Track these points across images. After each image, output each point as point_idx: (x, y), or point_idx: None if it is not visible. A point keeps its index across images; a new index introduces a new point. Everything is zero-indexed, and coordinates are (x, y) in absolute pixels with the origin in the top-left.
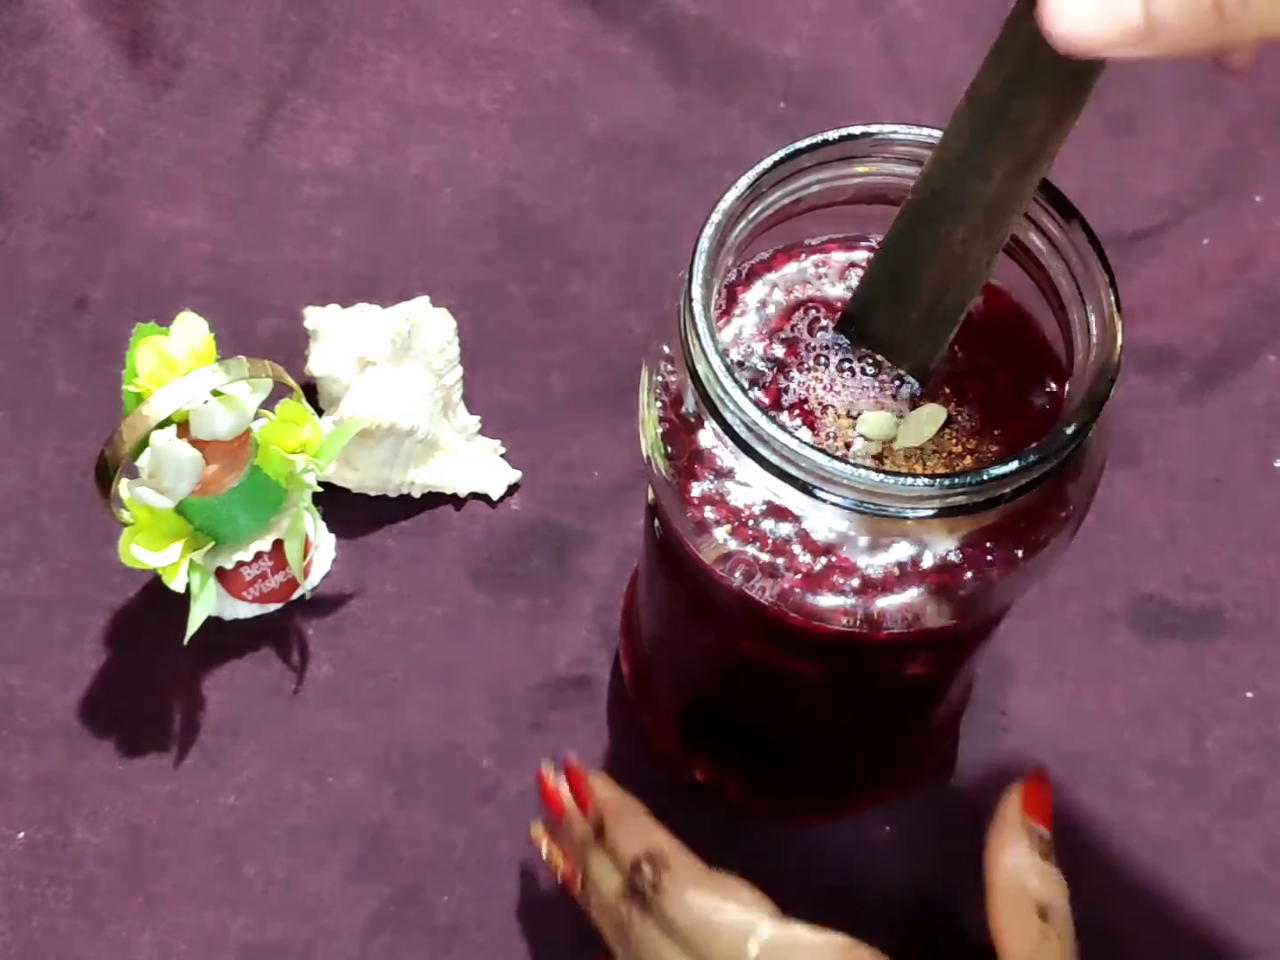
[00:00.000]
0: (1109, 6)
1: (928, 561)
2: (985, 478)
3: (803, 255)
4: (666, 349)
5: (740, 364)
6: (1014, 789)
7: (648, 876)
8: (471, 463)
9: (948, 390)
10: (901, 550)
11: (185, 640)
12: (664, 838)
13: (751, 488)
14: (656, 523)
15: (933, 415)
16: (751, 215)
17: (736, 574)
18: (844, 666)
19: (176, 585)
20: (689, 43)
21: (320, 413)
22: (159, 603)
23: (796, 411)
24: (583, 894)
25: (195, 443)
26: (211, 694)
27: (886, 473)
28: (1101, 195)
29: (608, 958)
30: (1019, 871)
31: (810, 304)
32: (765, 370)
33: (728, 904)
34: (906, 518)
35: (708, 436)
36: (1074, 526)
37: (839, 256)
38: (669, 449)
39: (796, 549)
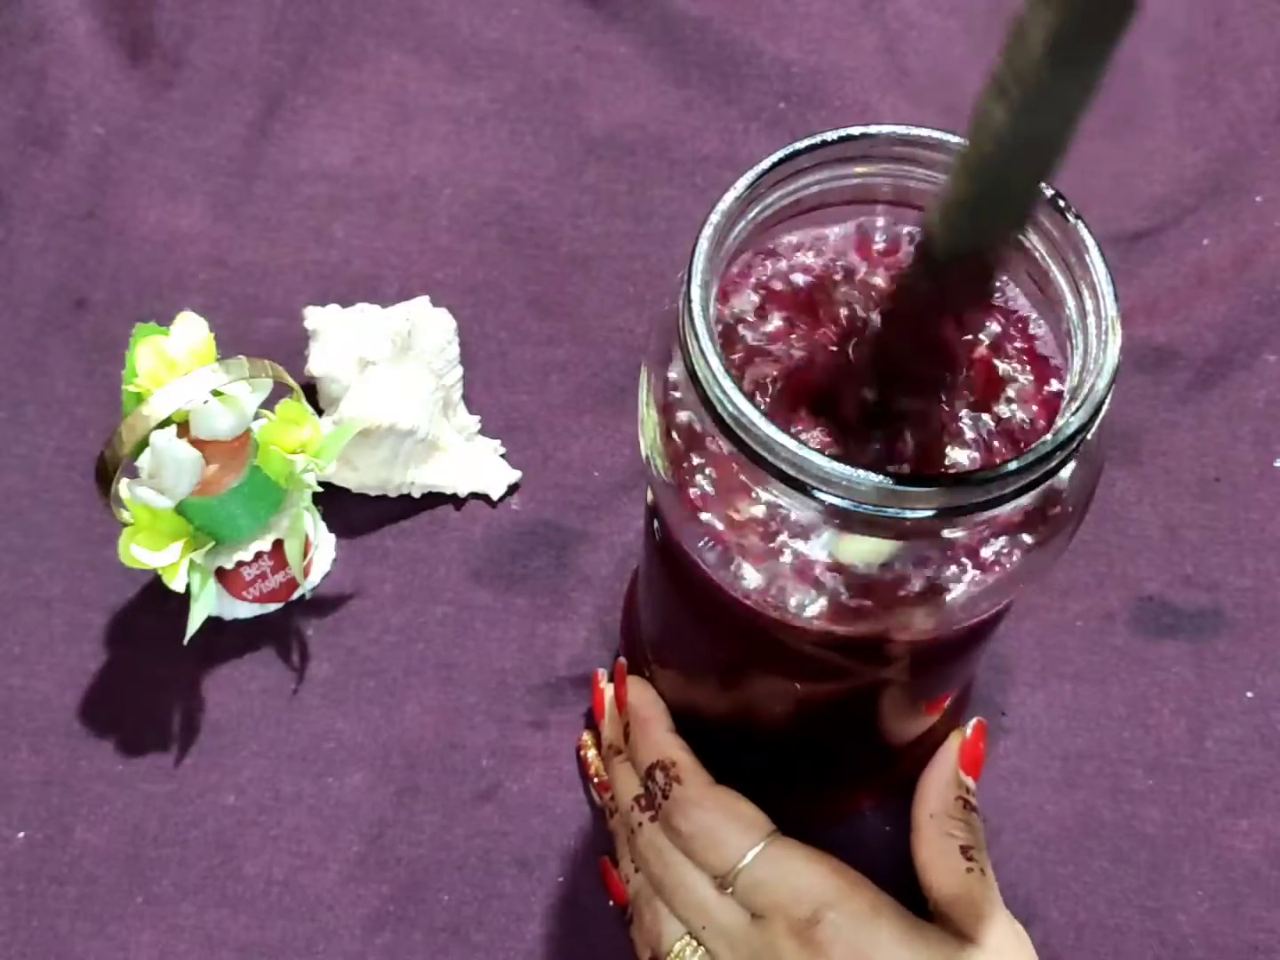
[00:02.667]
0: None
1: (926, 563)
2: (985, 478)
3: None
4: (666, 349)
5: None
6: (954, 738)
7: (659, 783)
8: (471, 463)
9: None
10: (900, 551)
11: (185, 640)
12: (679, 751)
13: (750, 488)
14: (656, 523)
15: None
16: (751, 216)
17: (734, 575)
18: (843, 668)
19: (176, 585)
20: (689, 43)
21: (320, 413)
22: (159, 603)
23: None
24: (606, 799)
25: (195, 443)
26: (211, 694)
27: (885, 474)
28: (1101, 195)
29: (614, 863)
30: (946, 820)
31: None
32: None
33: (729, 817)
34: (905, 519)
35: (707, 437)
36: (1074, 526)
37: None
38: (668, 449)
39: (795, 550)
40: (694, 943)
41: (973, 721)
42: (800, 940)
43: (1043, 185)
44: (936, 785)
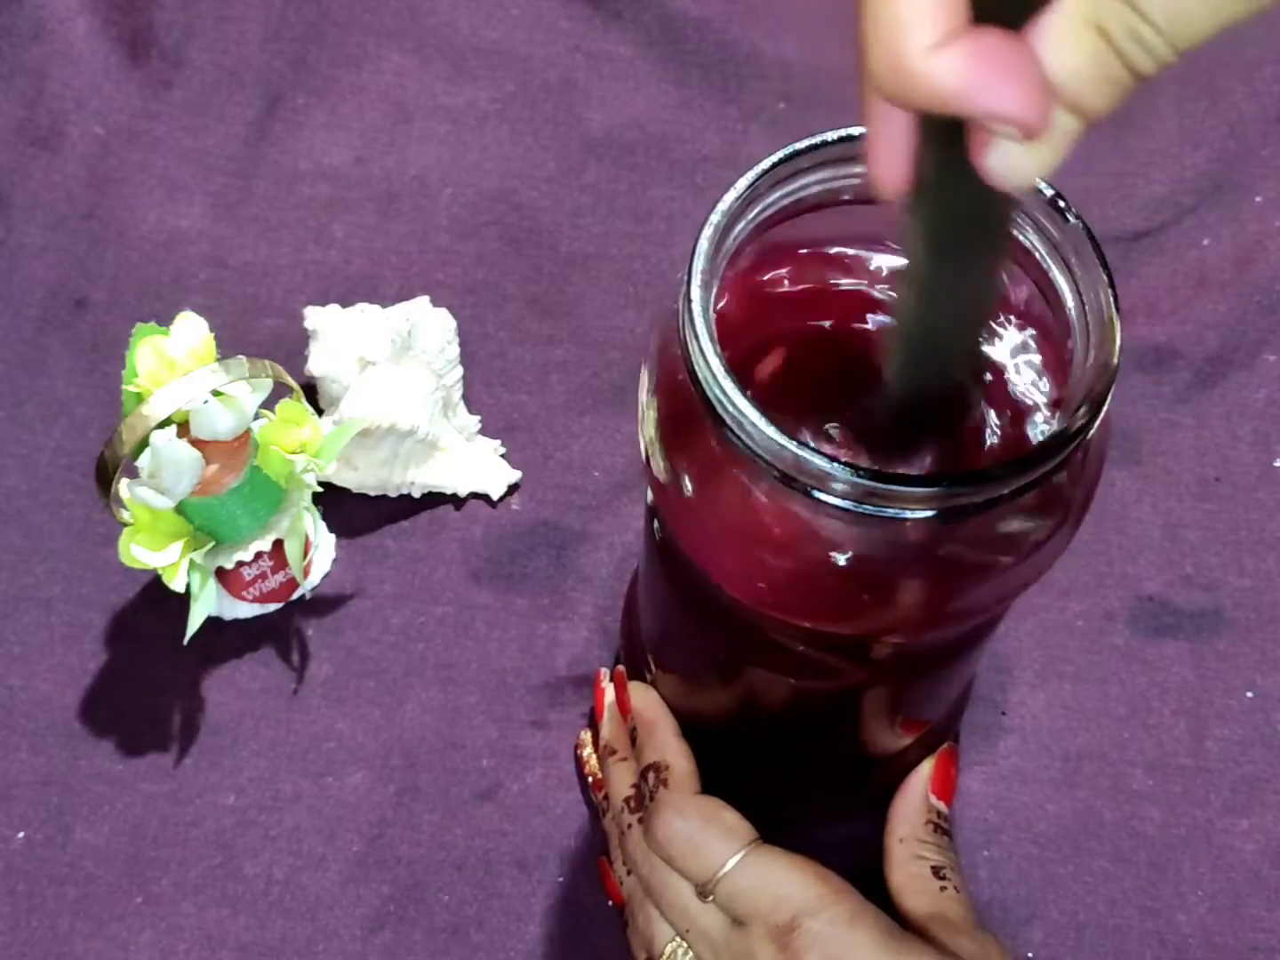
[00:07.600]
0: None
1: (926, 562)
2: (985, 478)
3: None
4: (666, 349)
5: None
6: (925, 764)
7: (650, 785)
8: (471, 463)
9: None
10: (900, 551)
11: (185, 640)
12: (678, 756)
13: (750, 488)
14: (656, 523)
15: None
16: (751, 216)
17: (734, 574)
18: (842, 668)
19: (176, 585)
20: (689, 43)
21: (320, 413)
22: (159, 603)
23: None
24: (600, 799)
25: (195, 443)
26: (211, 694)
27: (885, 475)
28: (1101, 195)
29: (608, 863)
30: (915, 844)
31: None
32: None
33: (709, 825)
34: (905, 519)
35: (706, 437)
36: (1074, 526)
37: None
38: (668, 449)
39: (795, 550)
40: (685, 945)
41: (942, 747)
42: (778, 946)
43: (970, 349)
44: (905, 811)
